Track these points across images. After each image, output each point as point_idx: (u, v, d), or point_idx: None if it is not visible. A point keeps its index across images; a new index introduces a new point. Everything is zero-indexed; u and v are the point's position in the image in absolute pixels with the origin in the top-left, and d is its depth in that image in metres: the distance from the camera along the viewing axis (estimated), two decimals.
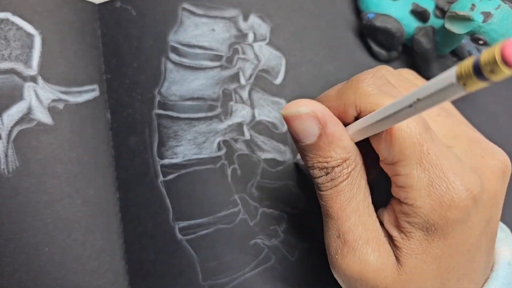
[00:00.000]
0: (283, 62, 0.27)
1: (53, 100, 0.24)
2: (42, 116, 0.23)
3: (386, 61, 0.27)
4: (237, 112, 0.26)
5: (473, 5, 0.22)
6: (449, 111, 0.20)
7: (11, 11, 0.23)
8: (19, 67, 0.23)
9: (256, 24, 0.27)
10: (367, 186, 0.19)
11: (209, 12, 0.26)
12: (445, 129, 0.18)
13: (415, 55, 0.26)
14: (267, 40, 0.27)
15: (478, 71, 0.10)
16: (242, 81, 0.26)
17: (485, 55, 0.10)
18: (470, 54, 0.27)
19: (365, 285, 0.18)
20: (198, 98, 0.26)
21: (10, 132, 0.23)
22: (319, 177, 0.19)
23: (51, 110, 0.24)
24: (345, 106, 0.18)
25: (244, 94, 0.26)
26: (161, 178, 0.25)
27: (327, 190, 0.18)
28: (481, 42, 0.22)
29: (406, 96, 0.14)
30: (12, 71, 0.23)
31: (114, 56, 0.26)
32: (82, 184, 0.24)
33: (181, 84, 0.26)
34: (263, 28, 0.27)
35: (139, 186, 0.25)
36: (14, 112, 0.23)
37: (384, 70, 0.19)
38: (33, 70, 0.23)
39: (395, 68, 0.27)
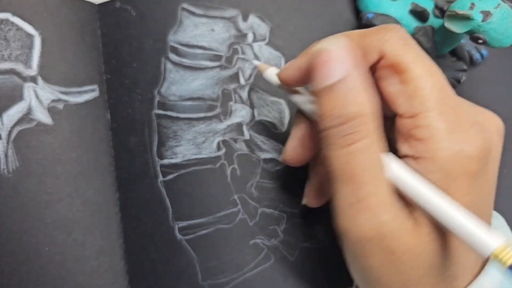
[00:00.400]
0: (283, 62, 0.27)
1: (53, 100, 0.24)
2: (42, 116, 0.23)
3: None
4: (236, 112, 0.26)
5: (473, 4, 0.22)
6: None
7: (11, 12, 0.23)
8: (19, 67, 0.23)
9: (255, 24, 0.27)
10: (387, 145, 0.17)
11: (208, 12, 0.27)
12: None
13: None
14: (267, 40, 0.27)
15: None
16: (242, 81, 0.26)
17: None
18: (469, 53, 0.26)
19: (380, 245, 0.16)
20: (197, 98, 0.26)
21: (10, 132, 0.23)
22: (334, 127, 0.16)
23: (51, 110, 0.24)
24: (367, 49, 0.18)
25: (244, 94, 0.26)
26: (160, 178, 0.25)
27: (343, 148, 0.16)
28: (480, 41, 0.22)
29: None
30: (12, 72, 0.23)
31: (113, 56, 0.26)
32: (82, 184, 0.24)
33: (181, 84, 0.26)
34: (263, 28, 0.27)
35: (139, 186, 0.25)
36: (14, 112, 0.23)
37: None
38: (33, 70, 0.23)
39: None
